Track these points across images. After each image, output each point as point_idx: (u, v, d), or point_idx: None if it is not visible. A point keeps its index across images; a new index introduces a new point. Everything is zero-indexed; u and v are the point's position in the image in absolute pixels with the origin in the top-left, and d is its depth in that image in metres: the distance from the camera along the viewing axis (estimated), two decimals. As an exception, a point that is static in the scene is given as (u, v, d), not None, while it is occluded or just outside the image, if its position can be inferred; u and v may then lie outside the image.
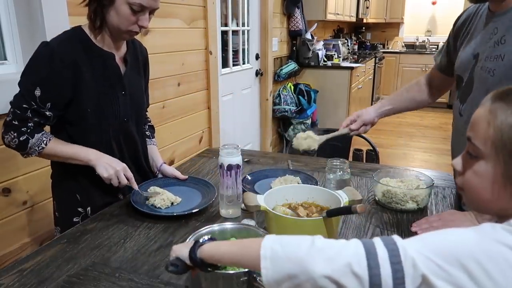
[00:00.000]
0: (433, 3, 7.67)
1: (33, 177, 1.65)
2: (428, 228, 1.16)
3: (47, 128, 1.31)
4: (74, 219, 1.33)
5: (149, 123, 1.62)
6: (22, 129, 1.22)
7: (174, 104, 2.59)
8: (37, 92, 1.20)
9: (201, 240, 0.77)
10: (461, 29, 1.33)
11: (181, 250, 0.77)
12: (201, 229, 0.96)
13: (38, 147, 1.24)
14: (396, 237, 0.61)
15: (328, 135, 1.58)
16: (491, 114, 0.65)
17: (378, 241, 0.60)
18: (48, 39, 1.22)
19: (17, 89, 1.21)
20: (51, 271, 1.00)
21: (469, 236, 0.58)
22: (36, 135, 1.23)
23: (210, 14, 2.82)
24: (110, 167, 1.26)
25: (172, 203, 1.34)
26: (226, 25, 3.35)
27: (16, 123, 1.22)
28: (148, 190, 1.38)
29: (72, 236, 1.17)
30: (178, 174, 1.49)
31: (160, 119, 2.44)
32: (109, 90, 1.31)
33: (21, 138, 1.22)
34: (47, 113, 1.23)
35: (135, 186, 1.32)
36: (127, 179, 1.29)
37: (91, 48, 1.27)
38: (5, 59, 1.65)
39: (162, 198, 1.33)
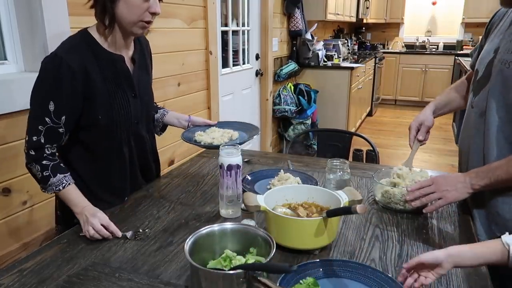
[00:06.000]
0: (433, 3, 7.67)
1: (33, 177, 1.65)
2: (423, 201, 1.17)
3: None
4: (75, 220, 1.33)
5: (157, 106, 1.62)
6: (43, 162, 1.20)
7: (174, 104, 2.58)
8: (51, 107, 1.17)
9: None
10: (491, 29, 1.35)
11: None
12: (201, 229, 0.96)
13: (56, 188, 1.21)
14: None
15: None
16: None
17: None
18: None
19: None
20: (51, 271, 1.00)
21: None
22: (58, 175, 1.22)
23: (210, 14, 2.83)
24: (88, 223, 1.14)
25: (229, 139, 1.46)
26: (226, 25, 3.35)
27: (33, 153, 1.20)
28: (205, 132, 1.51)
29: (72, 236, 1.17)
30: (208, 121, 1.60)
31: (160, 119, 2.44)
32: (120, 94, 1.30)
33: (44, 173, 1.21)
34: (61, 130, 1.21)
35: (117, 233, 1.15)
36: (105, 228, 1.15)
37: (99, 52, 1.25)
38: (5, 59, 1.65)
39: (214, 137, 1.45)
